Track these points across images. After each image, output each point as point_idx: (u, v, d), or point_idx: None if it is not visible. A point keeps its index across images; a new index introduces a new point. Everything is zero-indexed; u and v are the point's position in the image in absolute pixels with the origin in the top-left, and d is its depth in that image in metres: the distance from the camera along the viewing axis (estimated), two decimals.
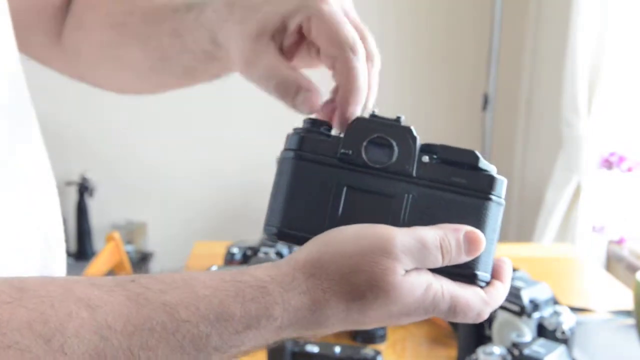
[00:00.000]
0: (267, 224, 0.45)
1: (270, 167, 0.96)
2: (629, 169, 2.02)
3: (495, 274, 0.44)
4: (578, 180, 2.12)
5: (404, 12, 2.72)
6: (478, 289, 0.43)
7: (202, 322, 0.36)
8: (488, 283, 0.44)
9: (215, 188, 2.86)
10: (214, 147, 2.81)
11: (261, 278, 0.38)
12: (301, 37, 0.48)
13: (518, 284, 1.05)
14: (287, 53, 0.48)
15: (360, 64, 0.45)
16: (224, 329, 0.37)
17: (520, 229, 2.69)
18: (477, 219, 0.43)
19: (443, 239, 0.41)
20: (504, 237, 2.75)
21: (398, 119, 0.45)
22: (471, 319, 0.42)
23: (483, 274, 0.43)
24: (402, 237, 0.40)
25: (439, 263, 0.41)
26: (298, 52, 0.49)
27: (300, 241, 0.43)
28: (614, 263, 2.08)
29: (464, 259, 0.42)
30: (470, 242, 0.42)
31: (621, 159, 2.03)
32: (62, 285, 0.36)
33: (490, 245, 0.43)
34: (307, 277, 0.39)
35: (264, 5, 0.47)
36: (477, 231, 0.42)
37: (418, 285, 0.40)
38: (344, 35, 0.45)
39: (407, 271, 0.40)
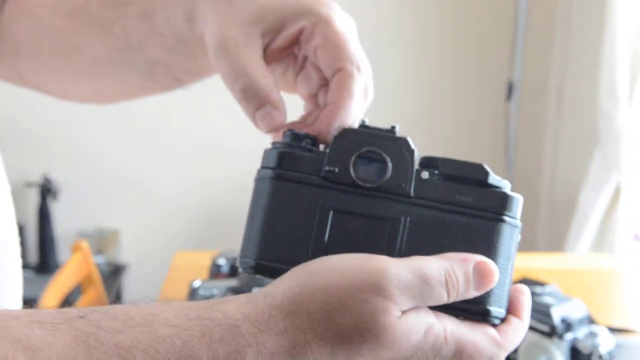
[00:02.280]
0: (243, 255, 0.44)
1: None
2: None
3: (510, 308, 0.43)
4: (617, 181, 2.12)
5: None
6: (490, 328, 0.42)
7: None
8: (503, 319, 0.43)
9: (198, 190, 2.86)
10: (197, 144, 2.81)
11: (232, 315, 0.38)
12: (291, 43, 0.48)
13: (548, 300, 1.05)
14: (267, 58, 0.48)
15: (361, 84, 0.46)
16: None
17: (551, 236, 2.69)
18: (488, 245, 0.42)
19: (449, 272, 0.40)
20: (531, 247, 2.76)
21: (392, 129, 0.44)
22: None
23: (497, 309, 0.42)
24: (398, 270, 0.39)
25: (443, 300, 0.40)
26: (280, 59, 0.50)
27: (281, 275, 0.42)
28: None
29: (473, 294, 0.41)
30: (480, 275, 0.41)
31: None
32: None
33: (504, 275, 0.42)
34: (285, 316, 0.38)
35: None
36: (489, 262, 0.41)
37: (415, 328, 0.39)
38: (353, 51, 0.46)
39: (403, 312, 0.39)
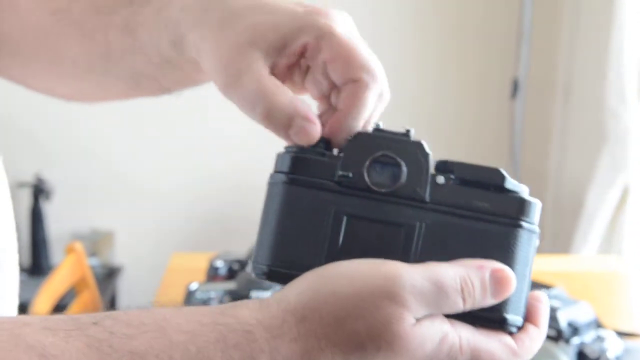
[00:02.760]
0: (256, 261, 0.44)
1: (260, 167, 0.96)
2: None
3: (528, 316, 0.43)
4: (625, 181, 2.12)
5: None
6: (506, 337, 0.42)
7: None
8: (520, 328, 0.43)
9: (195, 191, 2.86)
10: (194, 144, 2.81)
11: (246, 321, 0.38)
12: (297, 59, 0.47)
13: (554, 303, 1.05)
14: (277, 75, 0.47)
15: (376, 93, 0.46)
16: None
17: (557, 238, 2.69)
18: (505, 251, 0.42)
19: (465, 279, 0.40)
20: (537, 248, 2.75)
21: (407, 133, 0.44)
22: None
23: (514, 317, 0.42)
24: (413, 276, 0.39)
25: (459, 309, 0.40)
26: (290, 75, 0.49)
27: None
28: None
29: (490, 302, 0.41)
30: (497, 283, 0.41)
31: None
32: (9, 329, 0.35)
33: (522, 282, 0.42)
34: (298, 321, 0.38)
35: (254, 14, 0.46)
36: (507, 269, 0.41)
37: (430, 336, 0.39)
38: (365, 59, 0.46)
39: (418, 320, 0.39)
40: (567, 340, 1.02)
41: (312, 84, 0.49)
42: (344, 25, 0.47)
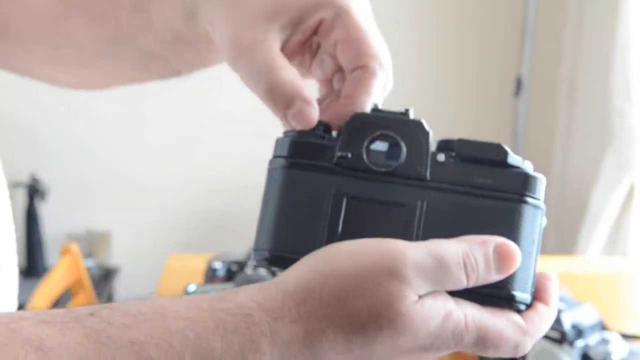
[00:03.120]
0: (257, 247, 0.44)
1: (258, 167, 0.96)
2: None
3: (536, 294, 0.43)
4: (631, 181, 2.12)
5: None
6: (514, 314, 0.41)
7: None
8: (529, 306, 0.42)
9: (193, 191, 2.86)
10: (192, 143, 2.81)
11: (245, 304, 0.38)
12: (310, 35, 0.48)
13: (558, 305, 1.05)
14: (287, 52, 0.48)
15: (381, 81, 0.47)
16: None
17: (561, 238, 2.69)
18: (510, 228, 0.42)
19: (467, 254, 0.40)
20: (541, 249, 2.75)
21: (406, 112, 0.44)
22: (506, 352, 0.41)
23: (522, 294, 0.42)
24: (414, 253, 0.39)
25: (462, 285, 0.40)
26: (301, 53, 0.49)
27: None
28: None
29: (495, 278, 0.41)
30: (501, 257, 0.40)
31: None
32: (5, 324, 0.35)
33: (528, 259, 0.42)
34: (298, 303, 0.38)
35: None
36: (510, 243, 0.41)
37: (433, 314, 0.39)
38: (376, 46, 0.47)
39: (420, 296, 0.39)
40: (571, 343, 1.02)
41: (318, 65, 0.50)
42: (362, 10, 0.48)
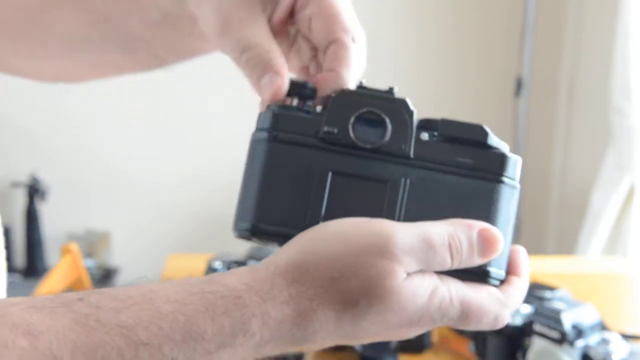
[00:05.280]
0: (238, 218, 0.45)
1: None
2: None
3: (510, 268, 0.45)
4: (631, 181, 2.12)
5: None
6: (492, 288, 0.43)
7: (166, 343, 0.37)
8: (503, 281, 0.44)
9: (192, 191, 2.86)
10: (191, 143, 2.81)
11: (234, 287, 0.39)
12: (290, 14, 0.50)
13: (558, 305, 1.05)
14: (271, 30, 0.50)
15: (356, 54, 0.48)
16: (192, 350, 0.37)
17: (561, 239, 2.69)
18: (488, 206, 0.44)
19: (452, 236, 0.42)
20: (541, 249, 2.76)
21: (390, 90, 0.45)
22: (487, 324, 0.43)
23: (497, 270, 0.44)
24: (404, 234, 0.40)
25: (447, 265, 0.42)
26: (282, 32, 0.52)
27: (278, 238, 0.43)
28: None
29: (477, 261, 0.42)
30: (484, 242, 0.42)
31: None
32: None
33: (504, 237, 0.44)
34: (289, 284, 0.39)
35: None
36: (494, 229, 0.43)
37: (421, 290, 0.40)
38: (348, 19, 0.49)
39: (408, 274, 0.40)
40: (571, 343, 1.02)
41: (295, 54, 0.52)
42: None
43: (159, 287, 0.39)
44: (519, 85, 2.58)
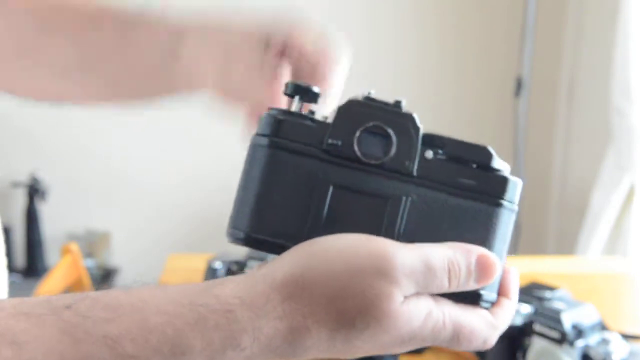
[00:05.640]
0: (233, 225, 0.44)
1: None
2: None
3: (500, 290, 0.45)
4: (631, 181, 2.12)
5: None
6: (484, 311, 0.44)
7: (153, 356, 0.36)
8: (493, 303, 0.44)
9: (192, 191, 2.85)
10: (191, 142, 2.81)
11: (227, 300, 0.38)
12: (280, 59, 0.53)
13: (558, 305, 1.05)
14: (266, 68, 0.53)
15: (341, 75, 0.52)
16: None
17: (561, 239, 2.69)
18: (486, 229, 0.44)
19: (452, 261, 0.42)
20: (541, 249, 2.75)
21: (398, 104, 0.44)
22: (477, 346, 0.43)
23: (489, 293, 0.44)
24: (404, 255, 0.40)
25: (444, 289, 0.42)
26: (277, 75, 0.54)
27: (273, 249, 0.43)
28: None
29: (473, 286, 0.43)
30: (482, 269, 0.42)
31: None
32: None
33: (499, 258, 0.44)
34: (284, 299, 0.39)
35: (243, 19, 0.54)
36: (492, 256, 0.43)
37: (417, 313, 0.40)
38: (329, 45, 0.52)
39: (405, 297, 0.40)
40: (571, 343, 1.01)
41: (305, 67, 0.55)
42: (312, 26, 0.53)
43: (151, 295, 0.38)
44: (519, 86, 2.58)
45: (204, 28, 0.54)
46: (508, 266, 0.46)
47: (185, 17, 0.55)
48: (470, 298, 0.43)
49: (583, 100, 2.65)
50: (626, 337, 1.27)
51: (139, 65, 0.57)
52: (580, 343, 1.03)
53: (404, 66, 2.76)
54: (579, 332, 1.03)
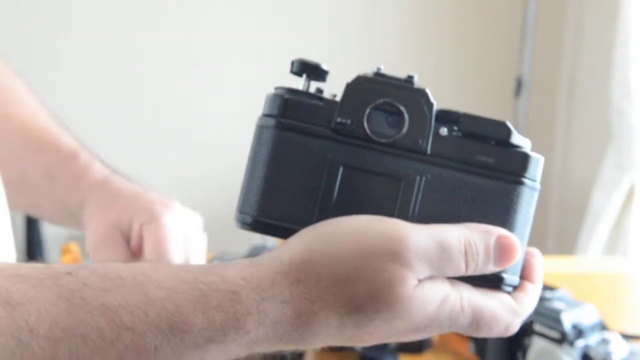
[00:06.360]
0: (240, 210, 0.43)
1: None
2: None
3: (524, 273, 0.43)
4: (631, 181, 2.12)
5: None
6: (505, 296, 0.41)
7: (150, 331, 0.35)
8: (516, 287, 0.42)
9: (193, 191, 2.85)
10: (191, 143, 2.81)
11: (232, 280, 0.37)
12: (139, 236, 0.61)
13: (558, 305, 1.05)
14: (137, 238, 0.61)
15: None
16: (179, 341, 0.36)
17: (561, 239, 2.69)
18: (507, 209, 0.41)
19: (469, 242, 0.39)
20: (540, 249, 2.73)
21: (410, 79, 0.43)
22: (498, 333, 0.41)
23: (511, 276, 0.42)
24: (418, 237, 0.38)
25: (460, 272, 0.40)
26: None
27: (282, 234, 0.41)
28: None
29: (492, 269, 0.41)
30: (502, 250, 0.40)
31: None
32: None
33: (521, 241, 0.42)
34: (291, 283, 0.37)
35: (123, 200, 0.63)
36: (512, 237, 0.41)
37: (432, 298, 0.38)
38: (170, 248, 0.59)
39: (420, 281, 0.38)
40: (571, 343, 1.01)
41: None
42: (173, 220, 0.63)
43: (153, 270, 0.37)
44: (519, 85, 2.58)
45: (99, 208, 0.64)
46: (531, 249, 0.44)
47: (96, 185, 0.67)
48: (491, 281, 0.41)
49: (583, 100, 2.65)
50: (626, 337, 1.26)
51: (58, 204, 0.71)
52: (580, 343, 1.02)
53: (404, 66, 2.76)
54: (579, 332, 1.03)
